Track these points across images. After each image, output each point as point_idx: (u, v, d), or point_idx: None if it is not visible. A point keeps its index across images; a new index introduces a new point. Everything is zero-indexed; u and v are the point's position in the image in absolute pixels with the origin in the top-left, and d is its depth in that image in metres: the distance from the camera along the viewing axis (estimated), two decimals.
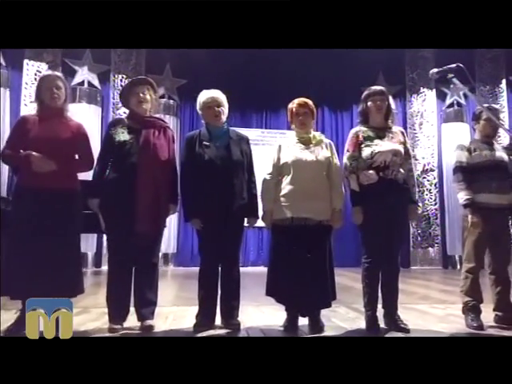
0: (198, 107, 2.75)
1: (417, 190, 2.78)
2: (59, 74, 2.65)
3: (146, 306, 2.57)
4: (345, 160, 2.71)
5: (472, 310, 2.76)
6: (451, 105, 8.90)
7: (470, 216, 2.76)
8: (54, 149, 2.44)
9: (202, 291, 2.63)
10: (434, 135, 8.80)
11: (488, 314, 2.85)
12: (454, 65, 2.05)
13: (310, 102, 2.75)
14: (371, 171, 2.61)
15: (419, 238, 8.61)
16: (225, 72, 8.52)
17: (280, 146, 2.72)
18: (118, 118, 2.76)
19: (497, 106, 3.19)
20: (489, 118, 2.87)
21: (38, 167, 2.40)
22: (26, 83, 7.85)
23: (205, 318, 2.59)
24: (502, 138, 8.18)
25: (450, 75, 2.08)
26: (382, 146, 2.64)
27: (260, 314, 3.16)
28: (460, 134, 8.23)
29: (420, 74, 8.94)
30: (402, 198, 2.64)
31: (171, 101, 8.40)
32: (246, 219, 2.73)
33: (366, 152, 2.64)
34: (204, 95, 2.73)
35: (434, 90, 8.95)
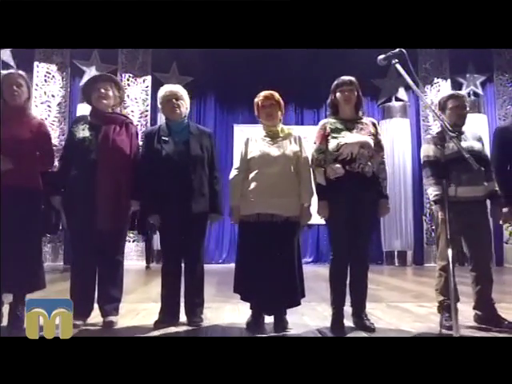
0: (158, 102, 2.71)
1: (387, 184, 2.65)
2: (21, 72, 2.63)
3: (109, 303, 2.56)
4: (312, 153, 2.62)
5: (447, 309, 2.60)
6: (467, 95, 8.56)
7: (439, 212, 2.62)
8: (13, 147, 2.42)
9: (163, 288, 2.60)
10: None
11: (470, 314, 2.72)
12: (396, 50, 1.93)
13: (276, 94, 2.67)
14: (337, 165, 2.50)
15: (433, 234, 8.33)
16: (231, 69, 8.50)
17: (247, 140, 2.65)
18: (80, 116, 2.75)
19: (463, 93, 3.01)
20: (454, 106, 2.72)
21: None
22: (37, 85, 8.05)
23: (166, 315, 2.55)
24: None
25: (394, 61, 1.97)
26: (349, 137, 2.53)
27: (237, 311, 3.10)
28: (477, 125, 7.91)
29: (433, 64, 8.67)
30: (370, 192, 2.52)
31: None
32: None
33: (332, 144, 2.54)
34: (163, 89, 2.70)
35: (449, 80, 8.65)
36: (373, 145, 2.56)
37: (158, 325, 2.50)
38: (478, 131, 2.91)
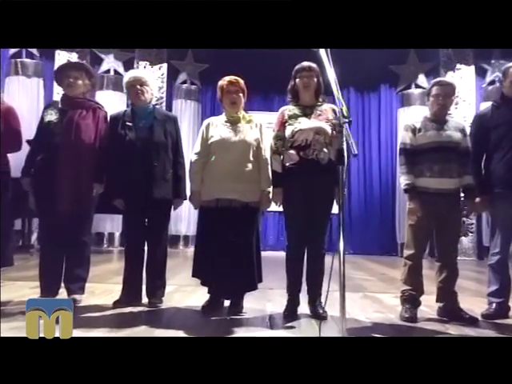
0: (124, 88, 2.77)
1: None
2: None
3: (74, 282, 2.67)
4: (270, 140, 2.62)
5: (408, 300, 2.58)
6: (492, 82, 8.14)
7: (408, 201, 2.58)
8: None
9: (126, 270, 2.69)
10: (471, 115, 8.15)
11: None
12: None
13: (241, 80, 2.67)
14: (292, 151, 2.50)
15: None
16: (247, 55, 8.44)
17: (208, 125, 2.67)
18: (52, 101, 2.85)
19: (451, 81, 2.89)
20: (436, 94, 2.64)
21: None
22: None
23: (126, 295, 2.64)
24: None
25: None
26: (304, 123, 2.51)
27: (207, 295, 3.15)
28: None
29: (456, 49, 8.29)
30: (325, 179, 2.49)
31: (193, 86, 8.48)
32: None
33: (288, 131, 2.54)
34: (127, 75, 2.76)
35: (473, 66, 8.27)
36: (330, 131, 2.52)
37: (117, 305, 2.59)
38: (462, 122, 2.81)
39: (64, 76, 2.73)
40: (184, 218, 8.09)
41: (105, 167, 2.65)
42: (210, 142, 2.60)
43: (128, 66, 8.46)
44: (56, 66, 8.00)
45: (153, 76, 2.82)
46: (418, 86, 8.52)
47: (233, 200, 2.52)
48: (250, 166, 2.56)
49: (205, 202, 2.59)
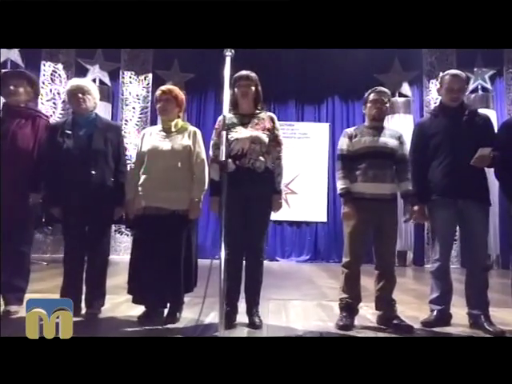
0: (66, 96, 2.78)
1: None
2: None
3: (12, 292, 2.65)
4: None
5: (345, 308, 2.56)
6: (475, 90, 8.14)
7: (343, 206, 2.58)
8: None
9: (64, 279, 2.67)
10: None
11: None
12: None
13: (175, 89, 2.69)
14: (229, 160, 2.49)
15: None
16: (231, 65, 8.49)
17: (144, 134, 2.70)
18: None
19: (385, 89, 2.88)
20: (373, 99, 2.65)
21: None
22: (43, 83, 8.37)
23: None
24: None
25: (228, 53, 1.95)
26: (240, 133, 2.51)
27: None
28: None
29: (439, 57, 8.31)
30: (260, 187, 2.49)
31: None
32: None
33: None
34: (69, 83, 2.78)
35: None
36: (267, 140, 2.53)
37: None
38: (400, 131, 2.85)
39: (4, 84, 2.74)
40: None
41: (42, 176, 2.65)
42: (142, 150, 2.62)
43: (113, 76, 8.55)
44: (42, 77, 8.24)
45: (95, 85, 2.84)
46: (401, 95, 8.53)
47: (159, 208, 2.52)
48: (178, 173, 2.55)
49: (136, 210, 2.60)
